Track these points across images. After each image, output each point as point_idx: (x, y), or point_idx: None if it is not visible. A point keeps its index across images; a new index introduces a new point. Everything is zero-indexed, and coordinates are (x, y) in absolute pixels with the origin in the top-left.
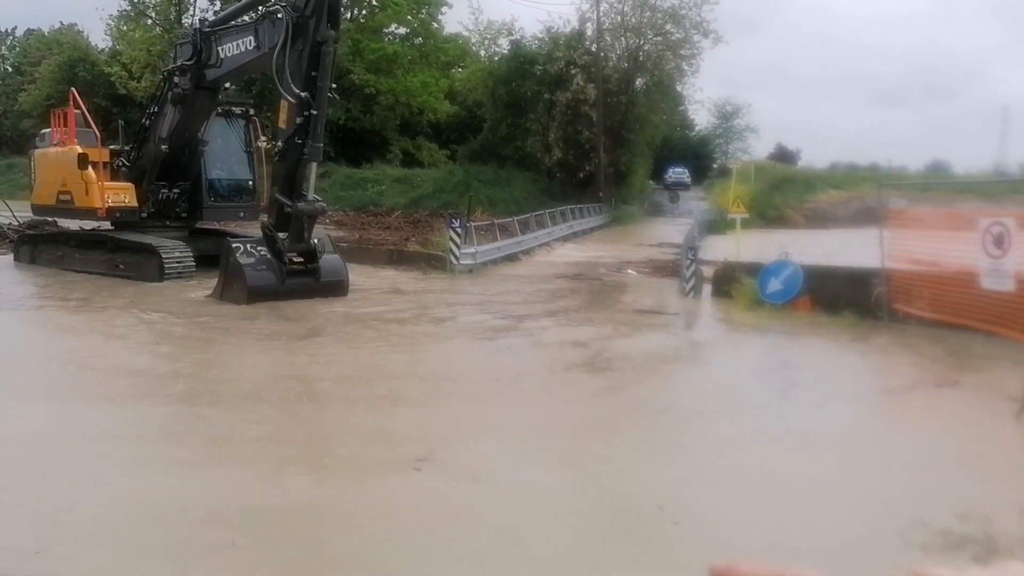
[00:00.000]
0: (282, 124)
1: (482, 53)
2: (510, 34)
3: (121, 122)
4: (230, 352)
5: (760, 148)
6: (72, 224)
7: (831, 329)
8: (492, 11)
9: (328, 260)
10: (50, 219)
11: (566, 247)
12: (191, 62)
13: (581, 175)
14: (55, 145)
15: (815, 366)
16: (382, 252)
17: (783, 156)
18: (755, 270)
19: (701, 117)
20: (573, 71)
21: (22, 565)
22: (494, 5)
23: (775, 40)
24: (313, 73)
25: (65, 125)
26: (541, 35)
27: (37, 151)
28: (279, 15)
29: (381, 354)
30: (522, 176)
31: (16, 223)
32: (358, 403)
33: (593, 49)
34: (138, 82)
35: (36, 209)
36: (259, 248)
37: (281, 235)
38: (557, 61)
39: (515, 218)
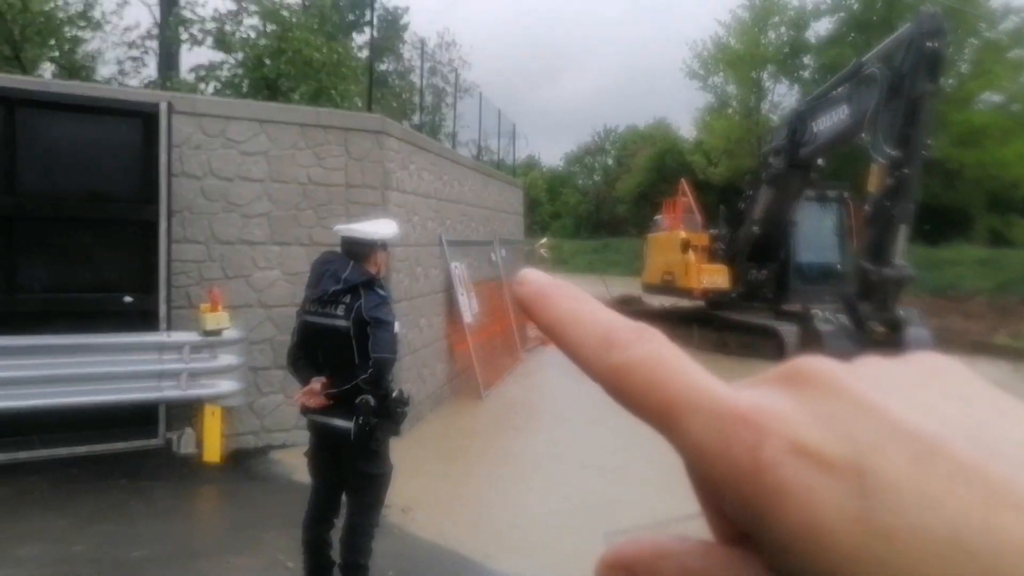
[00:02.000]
0: (871, 188)
1: None
2: None
3: (722, 207)
4: None
5: None
6: (659, 301)
7: None
8: None
9: (916, 333)
10: (635, 295)
11: None
12: (785, 142)
13: None
14: (665, 230)
15: None
16: (964, 343)
17: None
18: None
19: None
20: None
21: None
22: None
23: None
24: (908, 130)
25: (674, 212)
26: None
27: (651, 235)
28: (874, 78)
29: None
30: None
31: (608, 297)
32: None
33: None
34: (715, 167)
35: (645, 287)
36: (839, 316)
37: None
38: None
39: None
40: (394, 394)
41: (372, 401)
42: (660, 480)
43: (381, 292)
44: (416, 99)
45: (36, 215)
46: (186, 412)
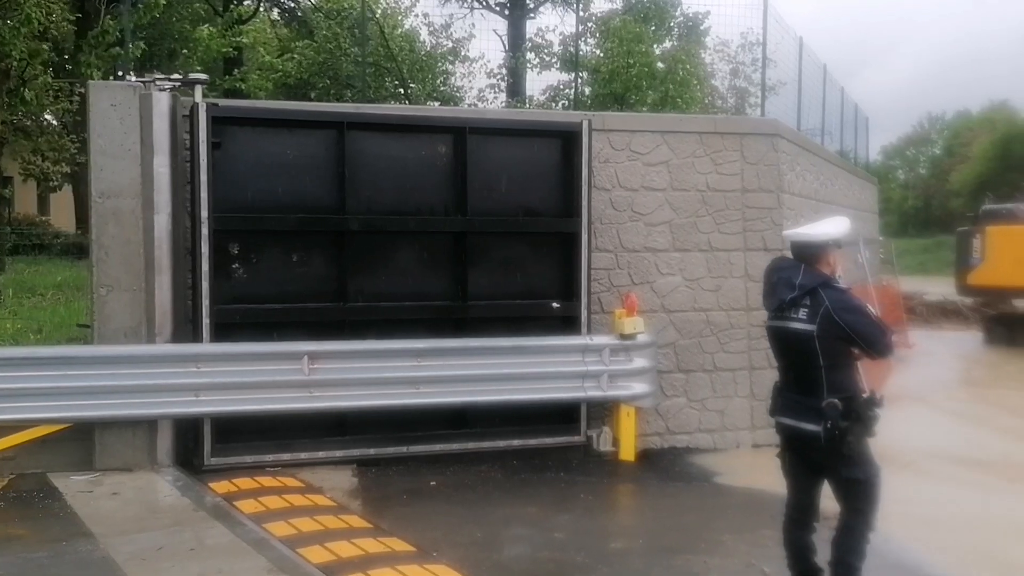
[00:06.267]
0: None
1: None
2: None
3: None
4: None
5: None
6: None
7: None
8: None
9: None
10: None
11: None
12: None
13: None
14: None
15: None
16: None
17: None
18: None
19: None
20: None
21: None
22: None
23: None
24: None
25: None
26: None
27: (991, 228)
28: None
29: None
30: None
31: (966, 303)
32: None
33: None
34: None
35: (973, 289)
36: None
37: None
38: None
39: None
40: (864, 396)
41: (839, 404)
42: None
43: (840, 287)
44: (719, 103)
45: (481, 230)
46: (599, 412)
